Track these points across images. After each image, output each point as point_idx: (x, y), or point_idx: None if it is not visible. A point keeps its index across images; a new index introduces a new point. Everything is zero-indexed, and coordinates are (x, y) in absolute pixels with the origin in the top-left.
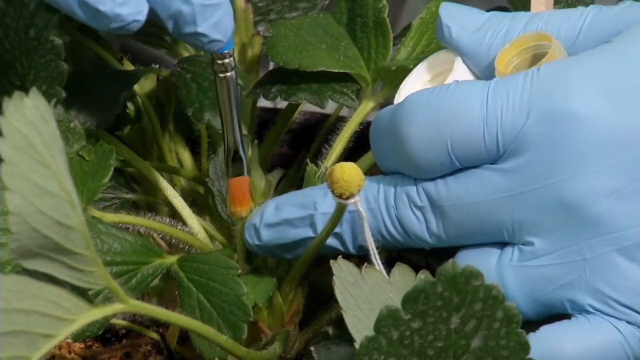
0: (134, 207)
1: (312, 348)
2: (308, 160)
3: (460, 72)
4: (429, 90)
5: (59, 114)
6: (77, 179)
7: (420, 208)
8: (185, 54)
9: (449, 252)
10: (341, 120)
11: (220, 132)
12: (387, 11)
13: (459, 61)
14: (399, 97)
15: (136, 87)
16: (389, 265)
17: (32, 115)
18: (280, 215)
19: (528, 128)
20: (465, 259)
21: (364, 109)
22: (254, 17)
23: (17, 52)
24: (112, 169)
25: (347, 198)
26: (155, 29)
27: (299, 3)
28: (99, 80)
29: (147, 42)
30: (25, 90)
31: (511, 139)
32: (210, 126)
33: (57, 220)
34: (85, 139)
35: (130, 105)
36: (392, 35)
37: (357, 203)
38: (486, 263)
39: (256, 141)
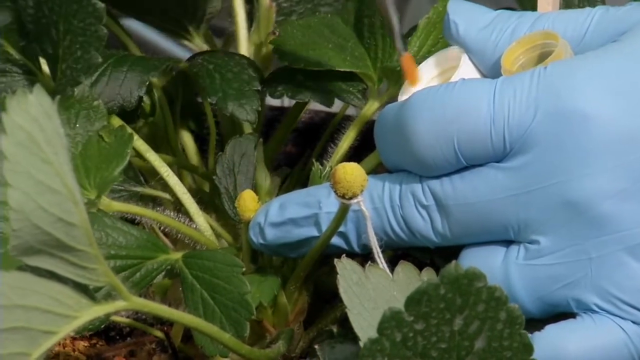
0: (141, 201)
1: (316, 346)
2: (314, 160)
3: (467, 69)
4: (436, 88)
5: (83, 90)
6: (93, 161)
7: (425, 207)
8: (205, 47)
9: (454, 249)
10: (347, 119)
11: (244, 122)
12: None
13: (465, 58)
14: (403, 94)
15: (154, 80)
16: (393, 263)
17: (35, 111)
18: (284, 214)
19: (535, 126)
20: (471, 257)
21: (370, 108)
22: (276, 16)
23: (55, 16)
24: (128, 159)
25: (350, 198)
26: (179, 18)
27: (322, 7)
28: (125, 61)
29: (170, 31)
30: (57, 58)
31: (518, 137)
32: (234, 116)
33: (59, 217)
34: (107, 118)
35: (146, 99)
36: None
37: (360, 203)
38: (491, 261)
39: (261, 140)
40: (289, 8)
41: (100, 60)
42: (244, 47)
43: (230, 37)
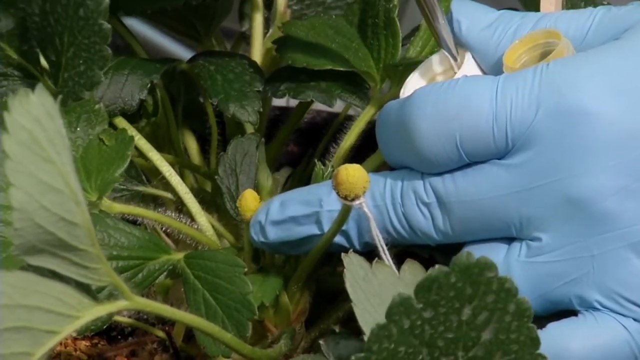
0: (143, 200)
1: (321, 342)
2: (316, 160)
3: (470, 67)
4: (438, 84)
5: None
6: (93, 164)
7: (426, 204)
8: (216, 49)
9: (455, 246)
10: (349, 120)
11: (245, 123)
12: (397, 11)
13: (468, 56)
14: (404, 91)
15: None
16: (397, 261)
17: (38, 111)
18: (285, 212)
19: (537, 123)
20: None
21: (372, 109)
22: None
23: (60, 27)
24: (129, 160)
25: (353, 199)
26: (190, 19)
27: (332, 10)
28: (127, 64)
29: (180, 32)
30: (59, 65)
31: (520, 133)
32: (235, 117)
33: (61, 217)
34: (107, 122)
35: (148, 99)
36: (401, 35)
37: (363, 204)
38: (493, 259)
39: (264, 139)
40: (299, 11)
41: (103, 79)
42: (258, 50)
43: (240, 39)
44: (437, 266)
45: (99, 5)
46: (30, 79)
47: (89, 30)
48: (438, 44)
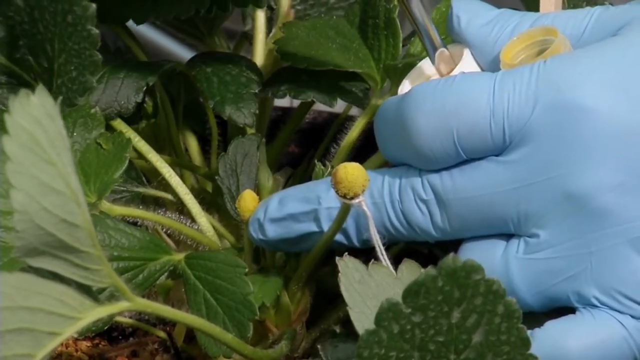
0: (143, 202)
1: (319, 346)
2: (316, 160)
3: (468, 64)
4: (436, 81)
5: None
6: (92, 167)
7: (425, 202)
8: (219, 49)
9: (454, 242)
10: (350, 120)
11: (242, 126)
12: (397, 11)
13: (467, 53)
14: (403, 88)
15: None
16: (398, 261)
17: (38, 112)
18: (284, 210)
19: (534, 119)
20: (470, 251)
21: (373, 109)
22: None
23: (50, 34)
24: (127, 162)
25: (352, 198)
26: (192, 18)
27: (335, 11)
28: (122, 68)
29: (182, 31)
30: (52, 72)
31: (517, 130)
32: (231, 120)
33: (62, 218)
34: (104, 126)
35: (148, 100)
36: (401, 35)
37: (362, 203)
38: (491, 255)
39: (264, 139)
40: (303, 12)
41: (95, 85)
42: (260, 50)
43: (242, 38)
44: (424, 270)
45: (86, 11)
46: (24, 86)
47: (78, 37)
48: (426, 49)
